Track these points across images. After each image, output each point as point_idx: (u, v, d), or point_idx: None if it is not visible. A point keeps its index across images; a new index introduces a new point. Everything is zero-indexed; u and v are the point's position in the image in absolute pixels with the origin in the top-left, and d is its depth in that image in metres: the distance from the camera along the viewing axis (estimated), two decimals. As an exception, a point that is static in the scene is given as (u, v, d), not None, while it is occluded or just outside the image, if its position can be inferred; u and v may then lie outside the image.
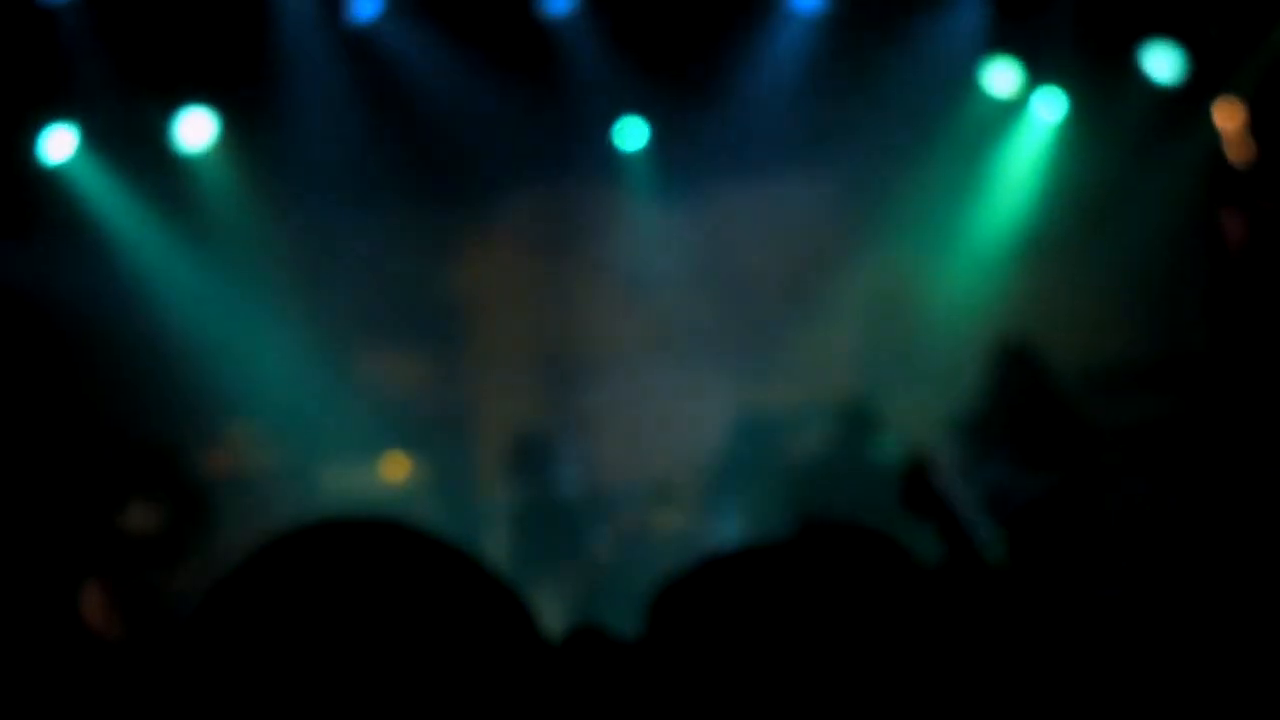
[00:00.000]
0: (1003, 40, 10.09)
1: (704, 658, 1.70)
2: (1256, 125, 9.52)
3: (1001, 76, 10.40)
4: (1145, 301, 10.68)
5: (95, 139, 10.11)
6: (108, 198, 10.32)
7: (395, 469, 10.85)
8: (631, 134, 11.13)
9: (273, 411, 10.53)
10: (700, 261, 11.75)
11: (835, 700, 1.66)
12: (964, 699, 1.72)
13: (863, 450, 10.23)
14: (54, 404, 9.75)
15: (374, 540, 1.47)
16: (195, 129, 10.33)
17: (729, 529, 10.18)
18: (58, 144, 9.96)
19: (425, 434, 11.24)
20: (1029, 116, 10.80)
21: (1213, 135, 9.89)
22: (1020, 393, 9.23)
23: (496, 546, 10.10)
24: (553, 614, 9.57)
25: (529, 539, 10.09)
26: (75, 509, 8.91)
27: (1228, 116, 9.73)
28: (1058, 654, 4.62)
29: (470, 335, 12.08)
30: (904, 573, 1.77)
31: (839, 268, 11.34)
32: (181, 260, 10.60)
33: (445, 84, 10.49)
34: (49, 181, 10.07)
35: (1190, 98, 10.18)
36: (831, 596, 1.71)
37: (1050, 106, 10.65)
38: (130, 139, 10.13)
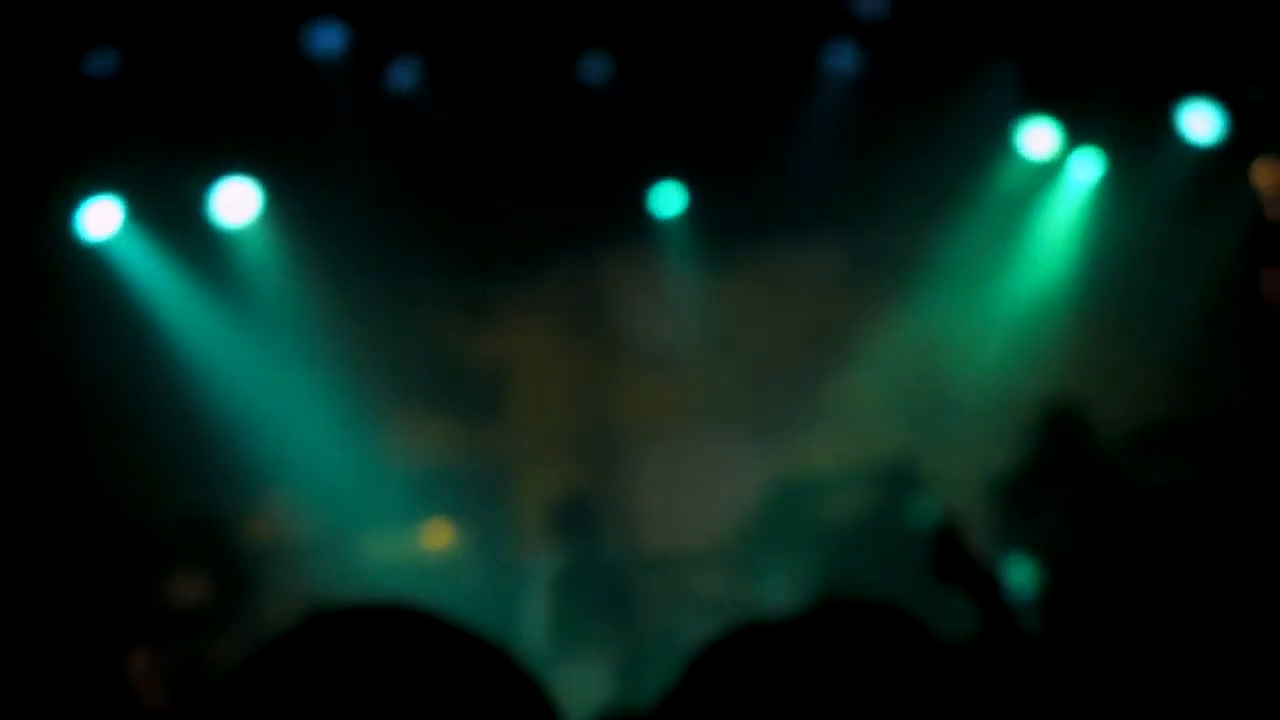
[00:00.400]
0: (1039, 101, 10.07)
1: None
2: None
3: (1038, 138, 10.39)
4: (1187, 362, 10.64)
5: (138, 212, 10.16)
6: (149, 271, 10.37)
7: (437, 536, 10.85)
8: (668, 200, 11.16)
9: (312, 480, 10.55)
10: (737, 326, 11.76)
11: None
12: None
13: (902, 512, 10.22)
14: (96, 476, 9.79)
15: (398, 628, 1.48)
16: (237, 201, 10.36)
17: (771, 593, 10.16)
18: (101, 217, 10.01)
19: (465, 500, 11.25)
20: (1066, 177, 10.80)
21: (1252, 195, 9.86)
22: (1062, 455, 9.20)
23: (537, 612, 10.09)
24: (594, 679, 9.55)
25: (570, 604, 10.08)
26: (119, 580, 8.94)
27: (1267, 176, 9.71)
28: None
29: (508, 401, 12.10)
30: (922, 652, 1.78)
31: (877, 331, 11.33)
32: (220, 331, 10.65)
33: (483, 151, 10.53)
34: (90, 254, 10.12)
35: (1230, 157, 10.17)
36: (845, 675, 1.73)
37: (1087, 167, 10.65)
38: (172, 212, 10.19)
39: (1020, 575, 8.71)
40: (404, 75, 9.99)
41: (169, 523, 9.27)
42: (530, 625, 10.02)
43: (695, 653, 1.83)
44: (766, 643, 1.79)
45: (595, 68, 10.32)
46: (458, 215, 10.99)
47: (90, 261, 10.12)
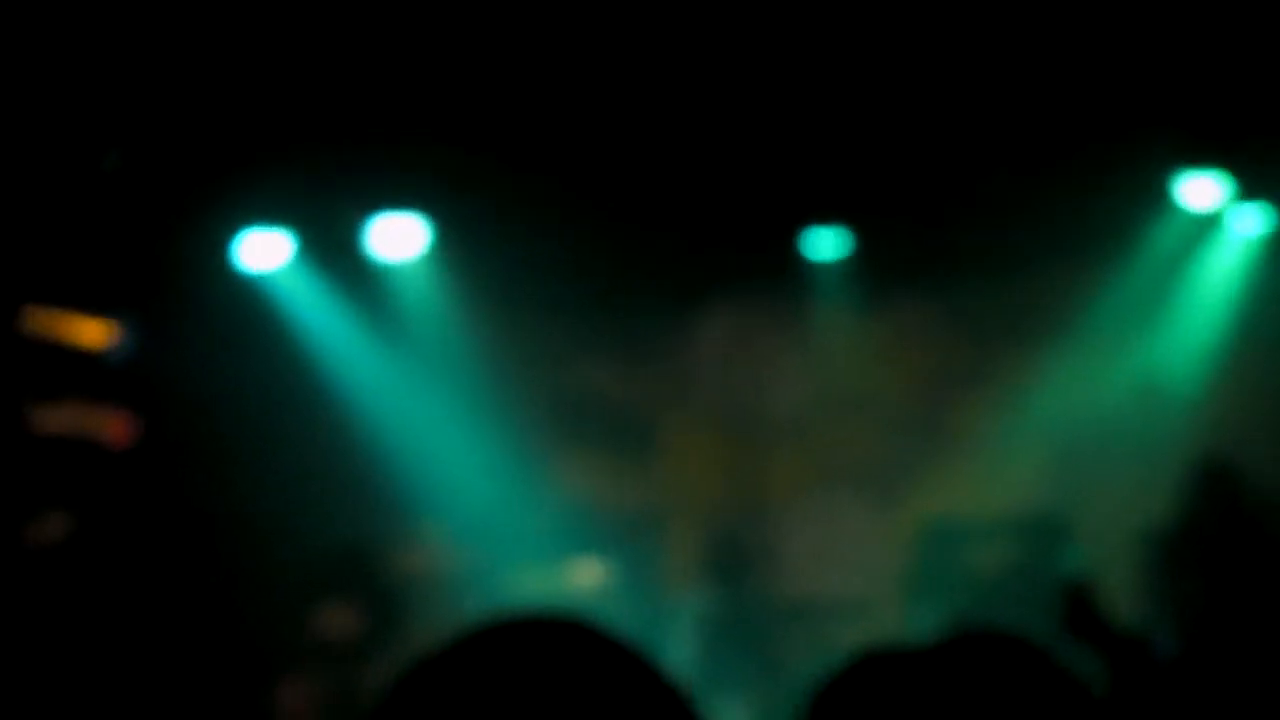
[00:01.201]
0: (1205, 153, 9.95)
1: None
2: None
3: (1200, 190, 10.28)
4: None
5: (305, 245, 10.30)
6: (307, 298, 10.52)
7: (586, 574, 10.91)
8: (824, 244, 11.18)
9: (465, 514, 10.65)
10: (895, 369, 11.72)
11: None
12: None
13: (1049, 563, 10.13)
14: (254, 507, 9.92)
15: (559, 640, 1.51)
16: (402, 236, 10.46)
17: (915, 641, 10.09)
18: (266, 249, 10.16)
19: (615, 539, 11.28)
20: (1226, 231, 10.68)
21: None
22: (1215, 514, 9.07)
23: (684, 650, 10.10)
24: (739, 717, 9.57)
25: (716, 646, 10.08)
26: (273, 610, 9.06)
27: None
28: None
29: (661, 442, 12.14)
30: (1055, 685, 1.77)
31: (1029, 380, 11.25)
32: (379, 363, 10.78)
33: (643, 192, 10.56)
34: (254, 285, 10.28)
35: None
36: (973, 703, 1.72)
37: (1248, 220, 10.54)
38: (336, 245, 10.32)
39: (1164, 635, 8.61)
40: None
41: (322, 553, 9.37)
42: (676, 665, 10.03)
43: (820, 681, 1.83)
44: (890, 671, 1.79)
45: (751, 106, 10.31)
46: (620, 253, 11.04)
47: (251, 293, 10.28)
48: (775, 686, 9.82)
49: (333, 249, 10.34)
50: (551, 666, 1.48)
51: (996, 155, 10.25)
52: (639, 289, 11.38)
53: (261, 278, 10.28)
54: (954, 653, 1.81)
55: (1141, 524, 9.48)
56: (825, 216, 11.12)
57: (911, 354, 11.71)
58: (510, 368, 11.56)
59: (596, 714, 1.46)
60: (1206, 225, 10.56)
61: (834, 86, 9.87)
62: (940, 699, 1.74)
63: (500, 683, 1.47)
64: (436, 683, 1.48)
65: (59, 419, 9.28)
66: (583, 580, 10.75)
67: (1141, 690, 4.62)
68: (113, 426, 9.41)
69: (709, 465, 12.01)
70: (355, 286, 10.59)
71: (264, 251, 10.18)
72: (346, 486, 10.22)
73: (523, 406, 11.64)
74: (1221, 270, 10.80)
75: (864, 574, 11.53)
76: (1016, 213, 10.46)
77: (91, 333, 9.33)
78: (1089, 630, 4.78)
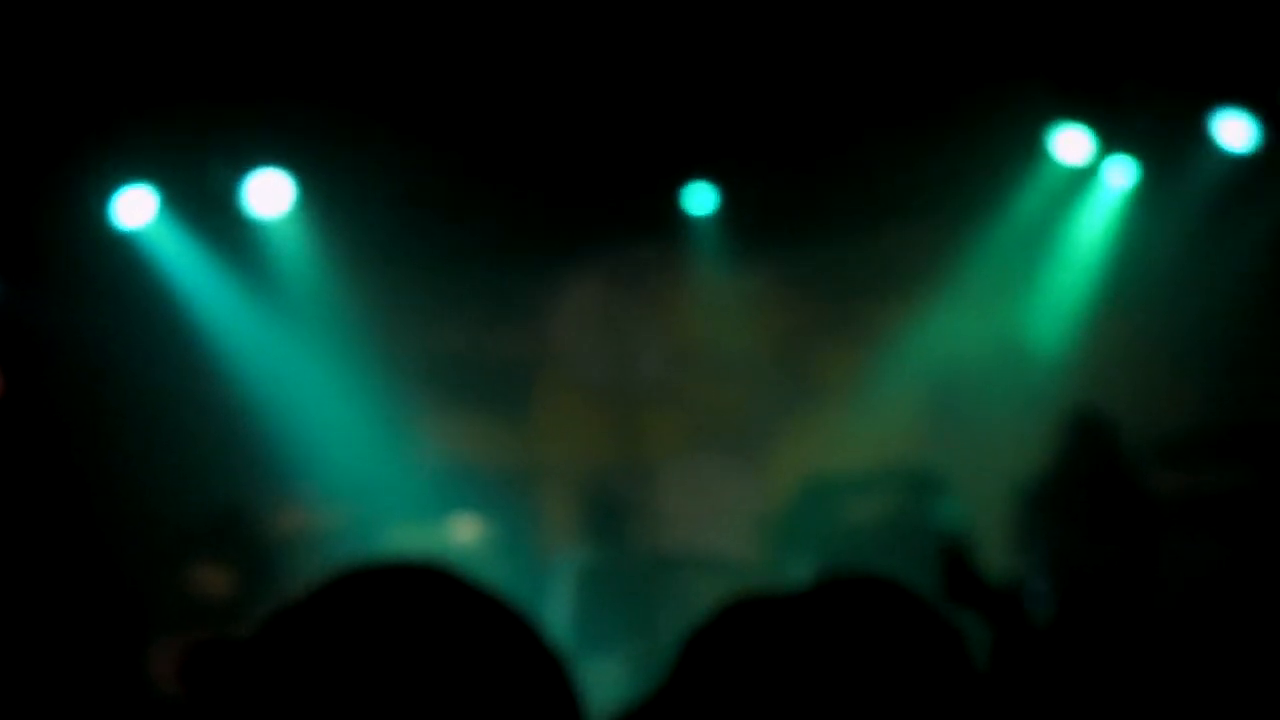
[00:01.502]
0: (1072, 107, 10.04)
1: (712, 708, 1.72)
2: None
3: (1071, 144, 10.36)
4: (1218, 371, 10.61)
5: (172, 201, 10.20)
6: (181, 261, 10.43)
7: (464, 531, 10.88)
8: (701, 198, 11.18)
9: (341, 474, 10.60)
10: (767, 324, 11.76)
11: None
12: None
13: (926, 516, 10.22)
14: (123, 466, 9.83)
15: (417, 584, 1.50)
16: (271, 193, 10.39)
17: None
18: (135, 207, 10.06)
19: (492, 496, 11.27)
20: (1099, 184, 10.77)
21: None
22: (1088, 464, 9.18)
23: (561, 608, 10.12)
24: (614, 676, 9.58)
25: (594, 601, 10.11)
26: (144, 570, 8.98)
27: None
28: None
29: (538, 399, 12.13)
30: (922, 624, 1.78)
31: (905, 334, 11.33)
32: (252, 322, 10.71)
33: (516, 148, 10.54)
34: (123, 243, 10.17)
35: (1264, 166, 10.14)
36: (843, 645, 1.73)
37: (1121, 173, 10.63)
38: (204, 202, 10.23)
39: (1039, 586, 8.71)
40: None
41: (196, 513, 9.30)
42: (554, 621, 10.05)
43: (690, 629, 1.83)
44: (757, 615, 1.80)
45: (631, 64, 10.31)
46: (491, 210, 11.00)
47: (123, 250, 10.17)
48: (652, 644, 9.84)
49: (202, 205, 10.25)
50: (409, 608, 1.47)
51: (868, 108, 10.31)
52: (511, 245, 11.34)
53: (133, 234, 10.17)
54: (821, 596, 1.81)
55: (1015, 477, 9.56)
56: (695, 171, 11.14)
57: (783, 309, 11.76)
58: (383, 325, 11.51)
59: (455, 654, 1.45)
60: (1079, 178, 10.65)
61: (703, 40, 9.88)
62: (807, 640, 1.75)
63: (357, 625, 1.46)
64: (294, 628, 1.48)
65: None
66: (459, 538, 10.73)
67: (1022, 648, 4.63)
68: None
69: (583, 424, 12.02)
70: (226, 243, 10.50)
71: (134, 209, 10.08)
72: (221, 446, 10.15)
73: (396, 364, 11.60)
74: (1096, 223, 10.90)
75: (740, 530, 11.59)
76: (888, 166, 10.52)
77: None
78: (967, 592, 4.78)
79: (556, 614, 10.10)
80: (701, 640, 1.81)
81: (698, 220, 11.33)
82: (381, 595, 1.48)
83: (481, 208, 10.90)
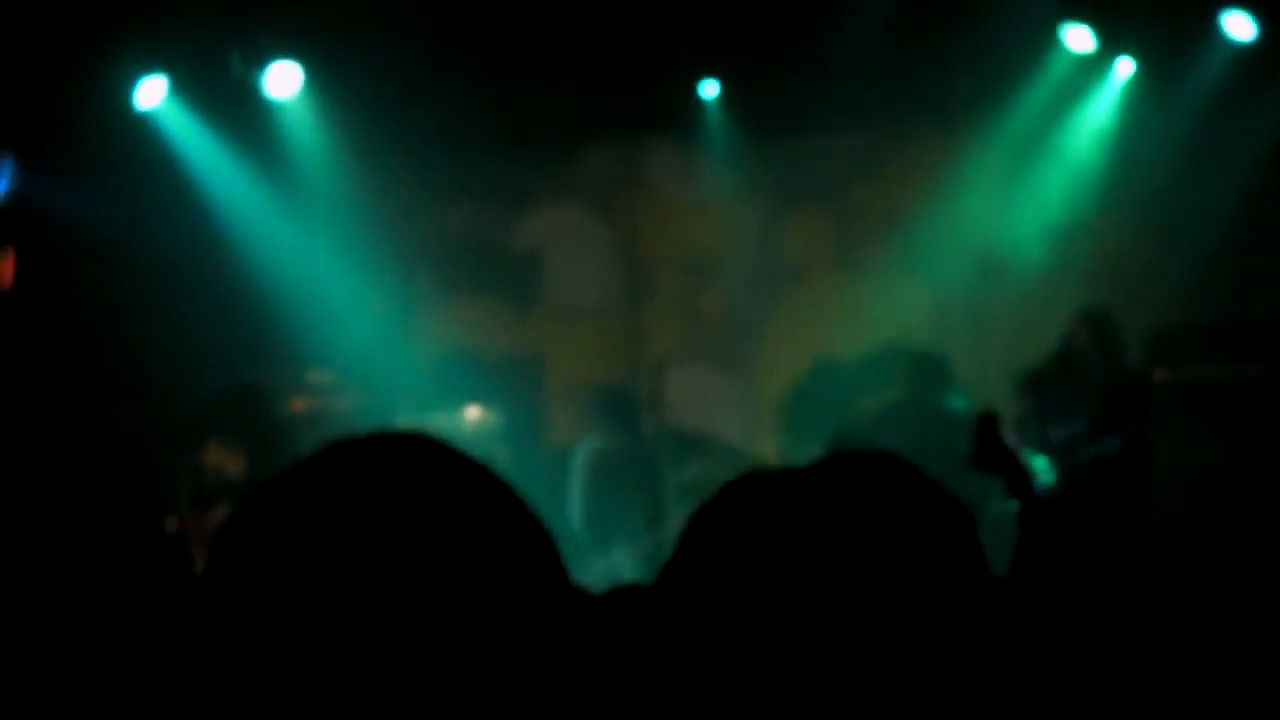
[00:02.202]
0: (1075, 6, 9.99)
1: (717, 587, 1.72)
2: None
3: (1078, 36, 10.35)
4: (1216, 263, 10.62)
5: (183, 86, 10.20)
6: (195, 143, 10.44)
7: (471, 419, 10.90)
8: (706, 90, 11.29)
9: (352, 357, 10.64)
10: (775, 213, 11.78)
11: (845, 626, 1.66)
12: (978, 635, 1.73)
13: (934, 401, 10.28)
14: (137, 346, 9.88)
15: (404, 450, 1.52)
16: (282, 79, 10.41)
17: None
18: (148, 91, 10.07)
19: (501, 380, 11.30)
20: (1109, 75, 10.76)
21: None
22: (1093, 358, 9.20)
23: (572, 496, 10.16)
24: (626, 562, 9.66)
25: (604, 487, 10.13)
26: (156, 447, 9.05)
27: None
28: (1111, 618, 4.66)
29: (545, 287, 12.16)
30: (927, 497, 1.75)
31: (913, 222, 11.35)
32: (266, 208, 10.72)
33: (524, 36, 10.51)
34: (139, 128, 10.18)
35: (1266, 62, 10.11)
36: (848, 516, 1.71)
37: (1124, 68, 10.65)
38: (217, 87, 10.22)
39: (1039, 471, 8.78)
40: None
41: (208, 396, 9.34)
42: (567, 508, 10.10)
43: (695, 507, 1.81)
44: (763, 487, 1.76)
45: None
46: (498, 99, 11.00)
47: (138, 134, 10.18)
48: (662, 527, 9.89)
49: (214, 88, 10.24)
50: (392, 473, 1.50)
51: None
52: (518, 133, 11.36)
53: (146, 118, 10.18)
54: (827, 470, 1.77)
55: (1022, 365, 9.60)
56: (700, 67, 11.16)
57: (796, 194, 11.77)
58: (397, 211, 11.53)
59: (438, 516, 1.48)
60: (1090, 69, 10.62)
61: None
62: (811, 510, 1.72)
63: (339, 491, 1.48)
64: (281, 495, 1.50)
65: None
66: (469, 424, 10.76)
67: (1042, 517, 4.70)
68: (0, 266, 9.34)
69: (594, 311, 12.06)
70: (237, 126, 10.50)
71: (147, 94, 10.11)
72: (233, 328, 10.19)
73: (408, 251, 11.63)
74: (1104, 113, 10.90)
75: (747, 416, 11.65)
76: (900, 55, 10.52)
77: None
78: (995, 461, 4.85)
79: (568, 502, 10.16)
80: (703, 515, 1.78)
81: (704, 108, 11.38)
82: (364, 462, 1.51)
83: (492, 97, 10.91)
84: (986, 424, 4.94)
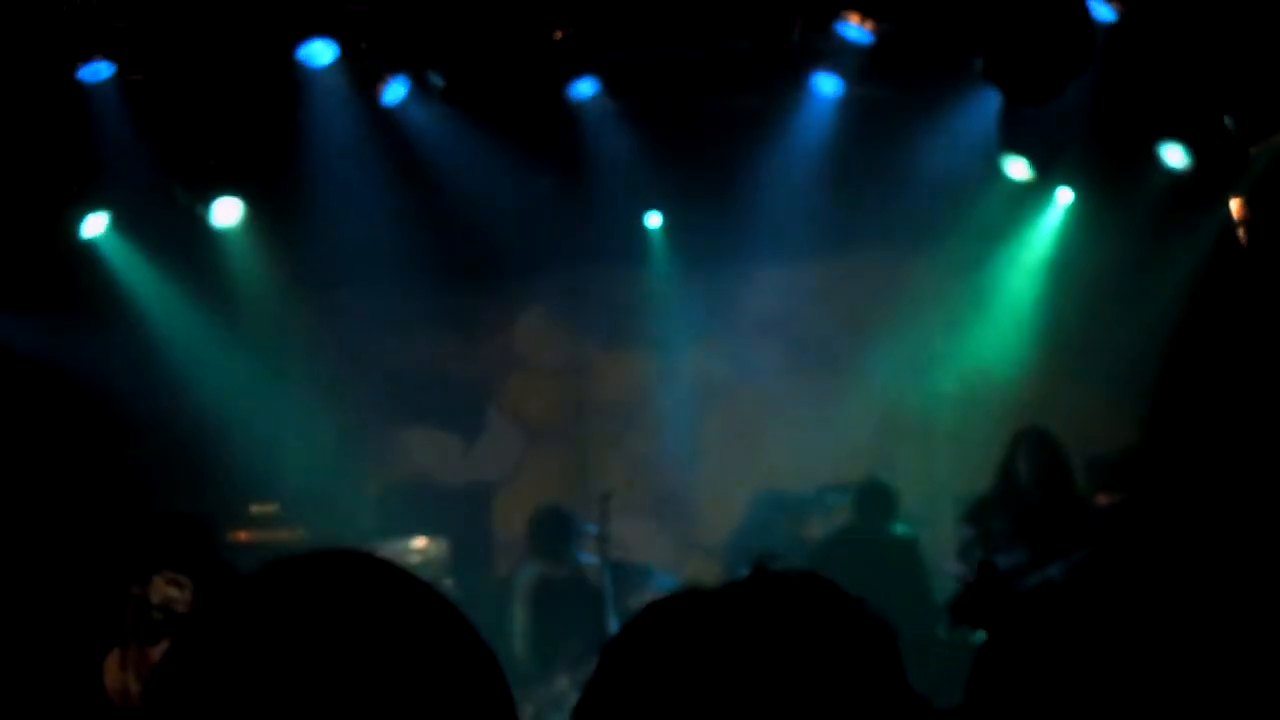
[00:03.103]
0: (1012, 130, 10.09)
1: (636, 707, 1.72)
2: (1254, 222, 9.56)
3: (1016, 165, 10.45)
4: (1121, 394, 10.76)
5: (128, 218, 10.19)
6: (139, 275, 10.43)
7: (419, 549, 10.86)
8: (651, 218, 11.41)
9: (298, 488, 10.60)
10: (719, 345, 11.81)
11: None
12: None
13: (880, 527, 10.32)
14: (83, 475, 9.84)
15: (342, 569, 1.56)
16: (225, 211, 10.42)
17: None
18: (93, 221, 10.08)
19: (449, 510, 11.27)
20: (1048, 202, 10.86)
21: (1221, 229, 9.93)
22: (1032, 481, 9.22)
23: (515, 619, 10.12)
24: (569, 686, 9.61)
25: (548, 615, 10.11)
26: (100, 580, 8.99)
27: (1240, 208, 9.76)
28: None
29: (495, 413, 12.17)
30: (846, 615, 1.76)
31: (858, 351, 11.40)
32: (208, 337, 10.70)
33: (472, 167, 10.57)
34: (86, 259, 10.17)
35: (1197, 194, 10.19)
36: (770, 634, 1.72)
37: (1064, 195, 10.76)
38: (161, 219, 10.22)
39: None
40: (393, 89, 10.02)
41: (154, 524, 9.30)
42: (511, 636, 10.07)
43: (620, 625, 1.86)
44: (677, 611, 1.78)
45: (584, 89, 10.38)
46: (449, 231, 11.05)
47: (86, 265, 10.17)
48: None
49: (155, 218, 10.23)
50: (330, 589, 1.53)
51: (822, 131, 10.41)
52: (468, 266, 11.42)
53: (88, 248, 10.17)
54: (746, 588, 1.80)
55: (964, 488, 9.63)
56: (650, 200, 11.27)
57: (737, 324, 11.80)
58: (344, 344, 11.53)
59: (376, 632, 1.50)
60: (1028, 195, 10.71)
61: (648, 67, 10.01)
62: (730, 626, 1.73)
63: (280, 609, 1.52)
64: (225, 614, 1.54)
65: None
66: (416, 555, 10.74)
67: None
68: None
69: (543, 435, 12.06)
70: (179, 255, 10.49)
71: (90, 225, 10.10)
72: (181, 459, 10.16)
73: (359, 384, 11.62)
74: (1043, 238, 11.00)
75: (696, 539, 11.64)
76: (839, 190, 10.61)
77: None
78: (982, 616, 4.74)
79: (512, 630, 10.12)
80: (620, 639, 1.80)
81: (649, 237, 11.47)
82: (304, 579, 1.55)
83: (438, 229, 10.96)
84: (981, 584, 4.80)
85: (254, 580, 1.57)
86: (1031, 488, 9.20)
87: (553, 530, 10.46)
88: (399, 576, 1.57)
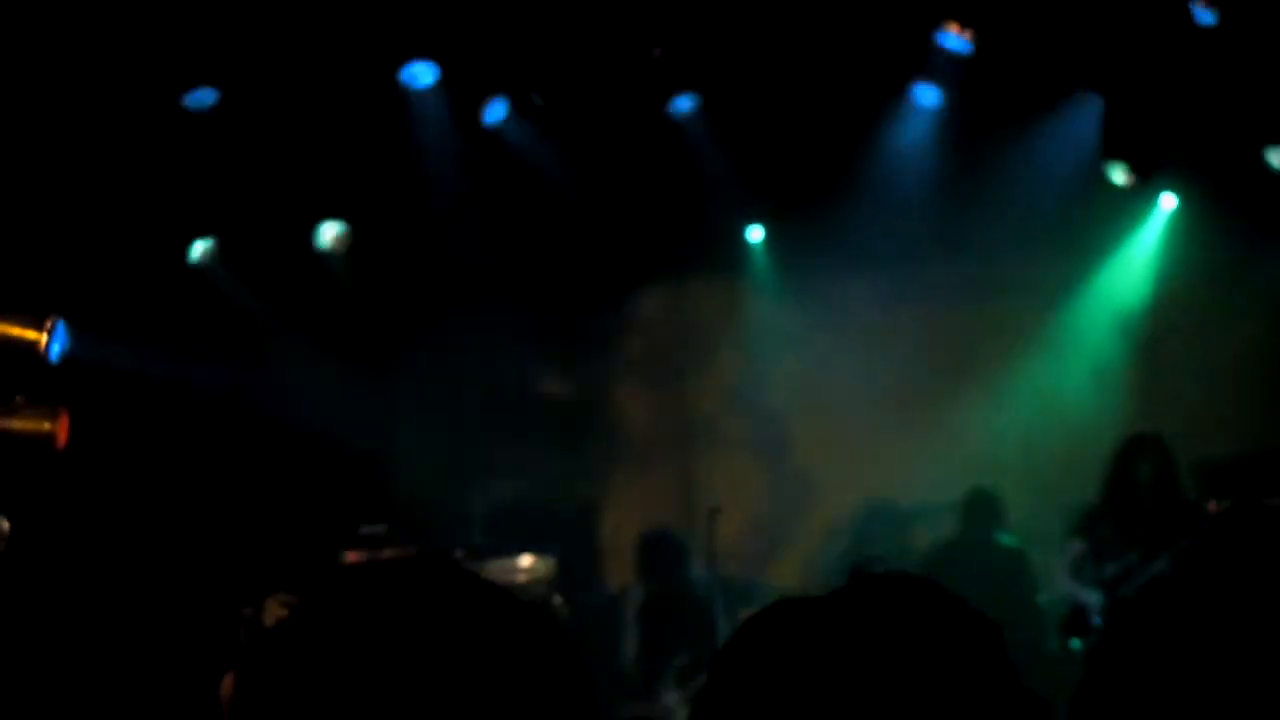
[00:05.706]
0: (1115, 137, 10.01)
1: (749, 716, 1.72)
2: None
3: (1120, 171, 10.38)
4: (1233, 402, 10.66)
5: (235, 243, 10.30)
6: (247, 301, 10.53)
7: (529, 566, 10.88)
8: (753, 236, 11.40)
9: (406, 509, 10.66)
10: (819, 357, 11.77)
11: None
12: None
13: (986, 537, 10.27)
14: (199, 498, 9.94)
15: (423, 577, 1.57)
16: (331, 236, 10.50)
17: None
18: (200, 247, 10.19)
19: (556, 528, 11.30)
20: (1152, 209, 10.79)
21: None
22: (1147, 485, 9.13)
23: (625, 638, 10.14)
24: (679, 705, 9.62)
25: (658, 632, 10.12)
26: (217, 603, 9.08)
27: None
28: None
29: (600, 429, 12.18)
30: (950, 614, 1.74)
31: (957, 361, 11.35)
32: (317, 362, 10.78)
33: (571, 184, 10.63)
34: (195, 285, 10.28)
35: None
36: (876, 637, 1.71)
37: (1168, 200, 10.69)
38: (268, 243, 10.32)
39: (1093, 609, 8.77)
40: (494, 110, 10.09)
41: (268, 547, 9.39)
42: (621, 653, 10.09)
43: (727, 638, 1.81)
44: (786, 618, 1.77)
45: (684, 105, 10.41)
46: (548, 250, 11.10)
47: (191, 287, 10.28)
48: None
49: (262, 244, 10.34)
50: (414, 599, 1.54)
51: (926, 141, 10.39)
52: (576, 282, 11.46)
53: (199, 274, 10.28)
54: (849, 593, 1.78)
55: (1071, 498, 9.57)
56: (751, 210, 11.28)
57: (843, 341, 11.74)
58: (451, 364, 11.57)
59: (460, 640, 1.52)
60: (1133, 202, 10.64)
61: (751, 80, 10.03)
62: (831, 636, 1.72)
63: (362, 620, 1.52)
64: (305, 626, 1.54)
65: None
66: (524, 574, 10.76)
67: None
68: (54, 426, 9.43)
69: (643, 456, 12.06)
70: (290, 287, 10.59)
71: (198, 251, 10.21)
72: (287, 481, 10.23)
73: (463, 404, 11.65)
74: (1146, 247, 10.93)
75: (805, 555, 11.60)
76: (945, 200, 10.58)
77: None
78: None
79: (622, 645, 10.15)
80: (726, 650, 1.78)
81: (753, 250, 11.47)
82: (387, 589, 1.55)
83: (541, 247, 11.02)
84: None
85: (340, 589, 1.57)
86: (1147, 493, 9.12)
87: (661, 552, 10.49)
88: (479, 586, 1.58)
